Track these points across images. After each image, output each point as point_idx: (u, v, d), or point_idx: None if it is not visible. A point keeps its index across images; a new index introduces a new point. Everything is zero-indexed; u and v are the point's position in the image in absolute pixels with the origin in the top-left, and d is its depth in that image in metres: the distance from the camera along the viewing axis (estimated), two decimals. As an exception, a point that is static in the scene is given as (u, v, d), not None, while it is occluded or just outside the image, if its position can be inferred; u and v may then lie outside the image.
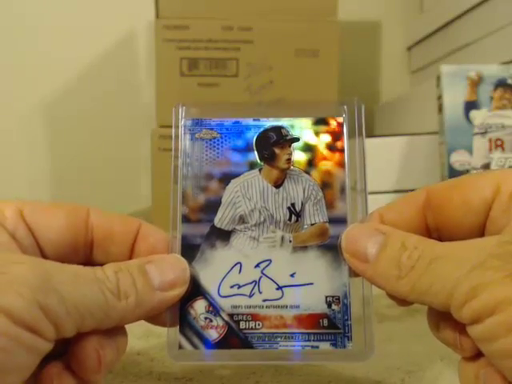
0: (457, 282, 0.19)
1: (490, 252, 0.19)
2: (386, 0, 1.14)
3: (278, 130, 0.28)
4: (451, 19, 0.92)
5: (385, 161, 0.68)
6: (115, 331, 0.24)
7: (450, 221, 0.24)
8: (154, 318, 0.26)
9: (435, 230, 0.24)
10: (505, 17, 0.76)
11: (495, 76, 0.61)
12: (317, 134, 0.28)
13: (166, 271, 0.24)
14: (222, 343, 0.26)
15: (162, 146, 0.81)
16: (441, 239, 0.24)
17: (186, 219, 0.28)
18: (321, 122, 0.28)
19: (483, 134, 0.60)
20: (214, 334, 0.26)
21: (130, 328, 0.39)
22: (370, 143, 0.75)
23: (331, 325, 0.26)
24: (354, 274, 0.25)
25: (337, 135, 0.28)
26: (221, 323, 0.26)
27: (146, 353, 0.35)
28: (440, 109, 0.63)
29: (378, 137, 0.75)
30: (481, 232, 0.23)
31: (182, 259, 0.26)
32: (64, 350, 0.22)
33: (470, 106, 0.61)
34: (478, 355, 0.21)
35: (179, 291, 0.24)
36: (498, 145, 0.59)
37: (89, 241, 0.26)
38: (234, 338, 0.26)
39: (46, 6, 1.07)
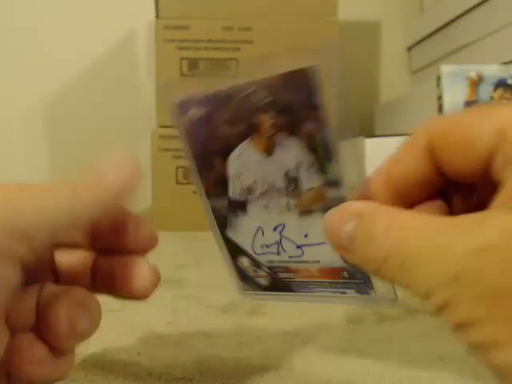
0: (430, 291, 0.19)
1: (463, 264, 0.19)
2: (386, 0, 1.14)
3: (254, 95, 0.26)
4: (451, 19, 0.92)
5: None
6: (87, 299, 0.24)
7: (455, 164, 0.22)
8: (128, 291, 0.26)
9: (443, 172, 0.23)
10: (505, 17, 0.76)
11: (495, 76, 0.61)
12: (291, 90, 0.25)
13: (117, 166, 0.24)
14: (271, 288, 0.30)
15: (162, 146, 0.81)
16: (448, 180, 0.23)
17: (207, 195, 0.29)
18: (291, 75, 0.25)
19: (483, 134, 0.60)
20: (262, 281, 0.30)
21: (130, 328, 0.39)
22: (370, 143, 0.75)
23: (352, 276, 0.27)
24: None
25: (313, 88, 0.25)
26: (265, 273, 0.29)
27: (146, 353, 0.34)
28: (440, 109, 0.63)
29: (378, 137, 0.75)
30: (485, 174, 0.22)
31: (131, 161, 0.25)
32: (35, 325, 0.23)
33: (470, 105, 0.61)
34: None
35: (132, 183, 0.24)
36: (498, 145, 0.59)
37: None
38: (278, 284, 0.29)
39: (47, 6, 1.07)
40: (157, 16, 0.81)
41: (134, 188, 0.24)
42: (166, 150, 0.80)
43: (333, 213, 0.23)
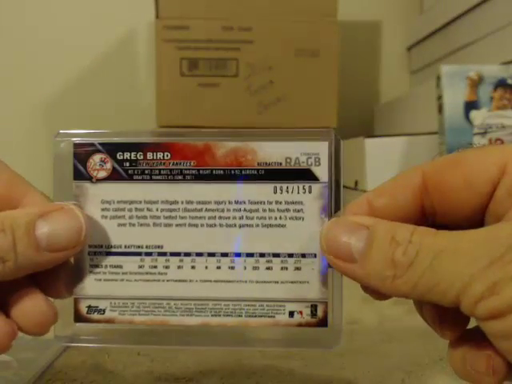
0: (471, 279, 0.18)
1: (509, 243, 0.18)
2: (386, 0, 1.14)
3: None
4: (451, 19, 0.92)
5: (385, 161, 0.68)
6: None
7: (451, 203, 0.21)
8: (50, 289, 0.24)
9: (431, 215, 0.22)
10: (505, 17, 0.76)
11: (495, 76, 0.61)
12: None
13: (58, 230, 0.22)
14: None
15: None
16: (436, 223, 0.22)
17: None
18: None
19: (483, 134, 0.60)
20: None
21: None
22: (370, 143, 0.75)
23: None
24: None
25: None
26: None
27: (146, 353, 0.34)
28: (440, 109, 0.63)
29: (378, 137, 0.75)
30: (482, 214, 0.21)
31: (79, 215, 0.23)
32: None
33: (470, 106, 0.61)
34: (462, 338, 0.21)
35: (71, 252, 0.22)
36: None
37: None
38: None
39: (47, 6, 1.07)
40: (157, 16, 0.81)
41: (70, 255, 0.23)
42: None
43: (336, 223, 0.22)
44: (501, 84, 0.60)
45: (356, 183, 0.73)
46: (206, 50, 0.81)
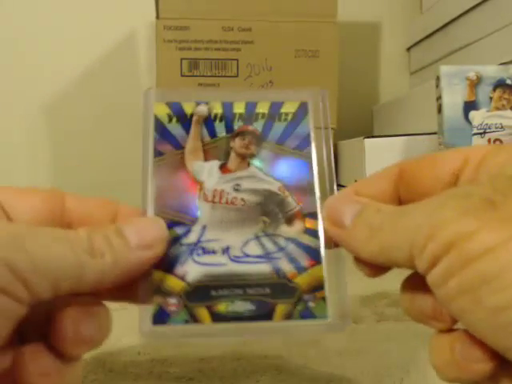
0: (418, 228, 0.19)
1: (448, 194, 0.20)
2: (386, 0, 1.14)
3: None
4: (451, 20, 0.92)
5: (384, 161, 0.68)
6: (95, 306, 0.23)
7: (420, 193, 0.24)
8: (130, 294, 0.25)
9: (406, 203, 0.24)
10: (505, 17, 0.76)
11: (494, 76, 0.61)
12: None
13: (144, 230, 0.24)
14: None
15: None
16: None
17: None
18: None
19: (482, 134, 0.60)
20: None
21: (130, 328, 0.39)
22: (370, 143, 0.75)
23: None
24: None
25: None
26: None
27: (146, 353, 0.35)
28: (439, 109, 0.63)
29: (377, 137, 0.75)
30: None
31: (160, 219, 0.25)
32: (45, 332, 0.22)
33: (469, 106, 0.61)
34: (452, 327, 0.22)
35: (158, 250, 0.24)
36: (498, 145, 0.60)
37: (65, 225, 0.26)
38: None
39: (47, 7, 1.07)
40: (157, 16, 0.81)
41: (158, 254, 0.24)
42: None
43: (338, 196, 0.26)
44: (500, 84, 0.61)
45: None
46: (206, 50, 0.81)
